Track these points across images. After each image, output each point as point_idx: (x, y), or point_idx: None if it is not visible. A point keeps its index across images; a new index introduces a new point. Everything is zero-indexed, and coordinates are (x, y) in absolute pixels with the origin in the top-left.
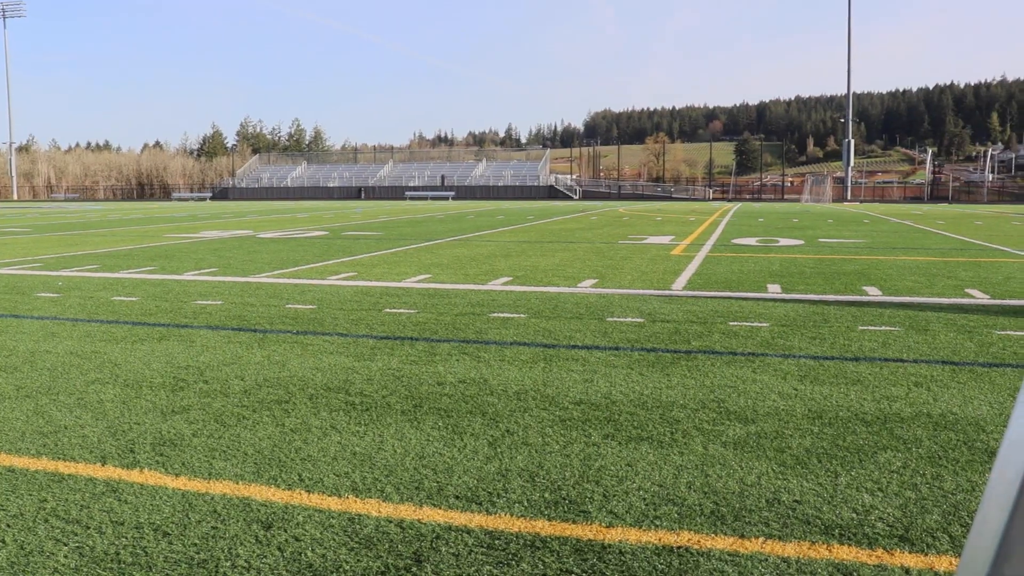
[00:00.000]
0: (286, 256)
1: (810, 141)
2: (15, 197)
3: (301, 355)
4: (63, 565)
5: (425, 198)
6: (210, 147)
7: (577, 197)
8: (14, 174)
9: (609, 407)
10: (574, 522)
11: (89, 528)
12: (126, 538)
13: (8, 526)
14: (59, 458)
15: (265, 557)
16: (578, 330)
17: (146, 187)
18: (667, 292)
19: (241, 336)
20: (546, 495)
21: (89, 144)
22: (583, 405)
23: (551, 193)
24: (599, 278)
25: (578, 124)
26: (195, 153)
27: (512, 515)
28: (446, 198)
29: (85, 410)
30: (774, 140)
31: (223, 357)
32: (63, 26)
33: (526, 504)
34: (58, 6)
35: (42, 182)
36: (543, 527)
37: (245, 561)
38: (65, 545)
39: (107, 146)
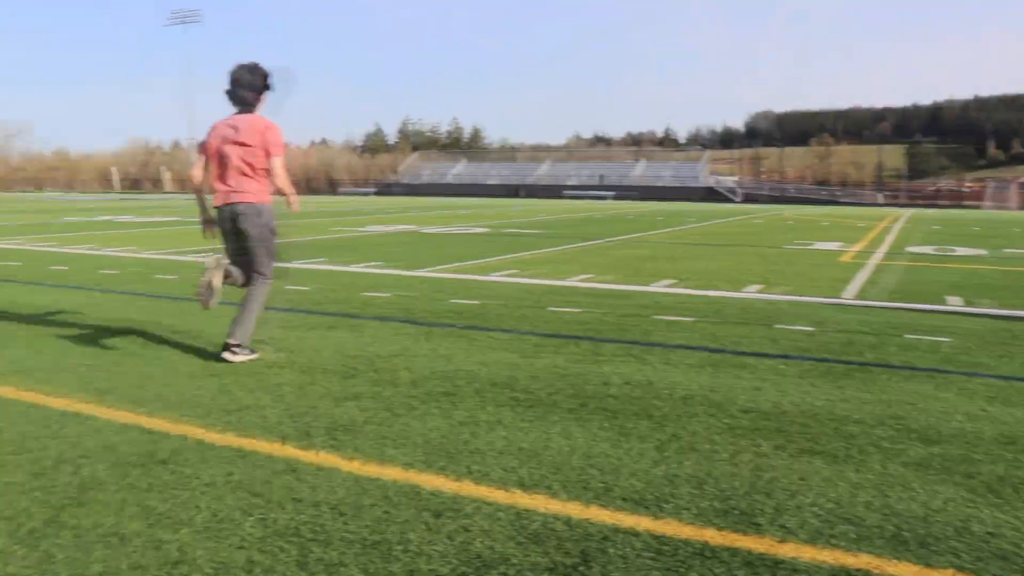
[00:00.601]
0: (449, 251)
1: (991, 143)
2: None
3: (467, 349)
4: (249, 534)
5: (583, 197)
6: (373, 144)
7: (738, 200)
8: None
9: (779, 417)
10: (745, 534)
11: (271, 502)
12: (305, 515)
13: (201, 494)
14: (243, 435)
15: (435, 544)
16: (745, 336)
17: (313, 182)
18: (837, 300)
19: (408, 328)
20: (715, 503)
21: None
22: (752, 413)
23: (711, 195)
24: (765, 283)
25: (738, 125)
26: (359, 150)
27: (680, 521)
28: (604, 198)
29: (265, 392)
30: (950, 142)
31: (391, 348)
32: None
33: (695, 511)
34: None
35: None
36: (712, 536)
37: (416, 546)
38: (250, 516)
39: None
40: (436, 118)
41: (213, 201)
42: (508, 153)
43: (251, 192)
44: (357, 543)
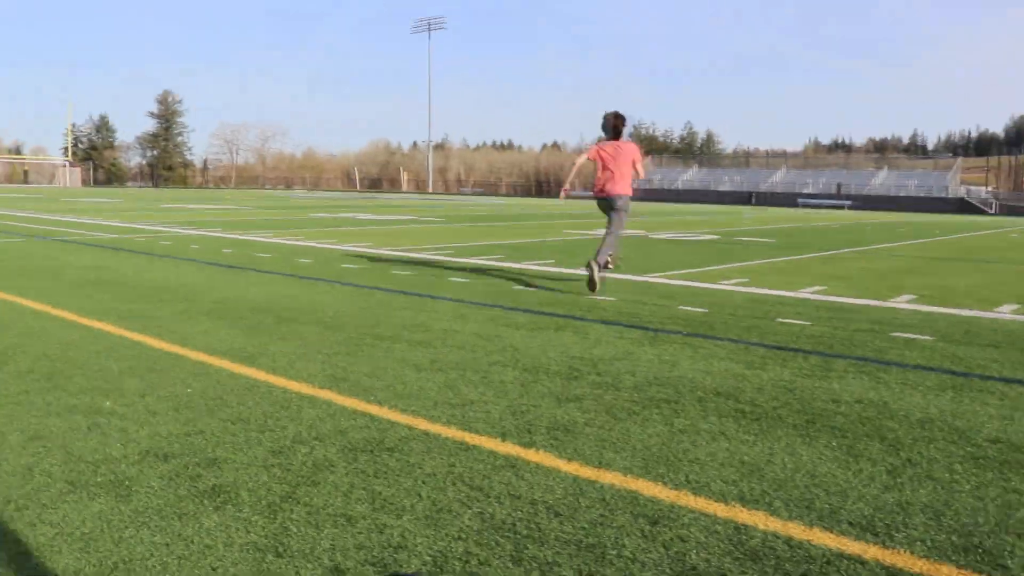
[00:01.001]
0: (677, 257)
1: None
2: (430, 189)
3: (691, 357)
4: (467, 526)
5: (819, 206)
6: None
7: (993, 211)
8: (431, 169)
9: None
10: (989, 575)
11: (490, 496)
12: (522, 511)
13: (423, 483)
14: (465, 429)
15: (650, 552)
16: (995, 359)
17: (543, 184)
18: None
19: (633, 333)
20: (953, 538)
21: (494, 143)
22: (1000, 444)
23: (962, 207)
24: (1022, 303)
25: (997, 129)
26: None
27: (913, 554)
28: (842, 207)
29: (489, 388)
30: None
31: (615, 352)
32: (477, 33)
33: (929, 544)
34: (473, 16)
35: (453, 176)
36: (950, 573)
37: (631, 552)
38: (469, 508)
39: (510, 145)
40: (670, 122)
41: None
42: (741, 159)
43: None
44: (572, 544)
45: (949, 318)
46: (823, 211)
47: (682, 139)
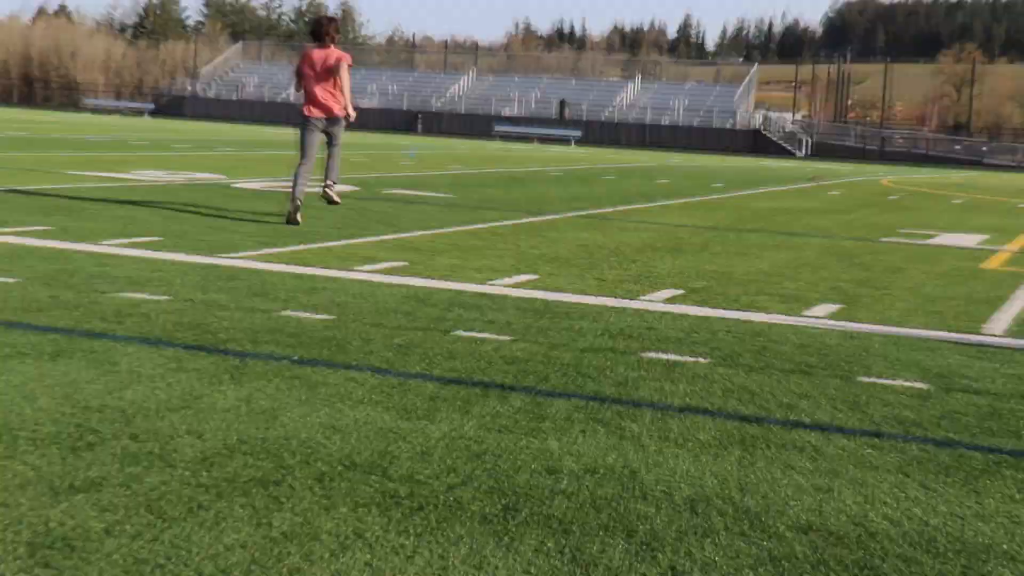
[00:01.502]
0: (282, 224)
1: None
2: None
3: (306, 402)
4: None
5: (529, 138)
6: (156, 24)
7: (802, 153)
8: None
9: (865, 543)
10: None
11: None
12: None
13: None
14: None
15: None
16: (805, 394)
17: (38, 85)
18: (976, 338)
19: (201, 360)
20: None
21: None
22: (814, 534)
23: (757, 142)
24: (845, 302)
25: (813, 23)
26: (128, 32)
27: None
28: (567, 140)
29: None
30: None
31: (168, 395)
32: None
33: None
34: None
35: None
36: None
37: None
38: None
39: None
40: None
41: None
42: (401, 55)
43: None
44: None
45: (734, 326)
46: (536, 146)
47: (300, 15)
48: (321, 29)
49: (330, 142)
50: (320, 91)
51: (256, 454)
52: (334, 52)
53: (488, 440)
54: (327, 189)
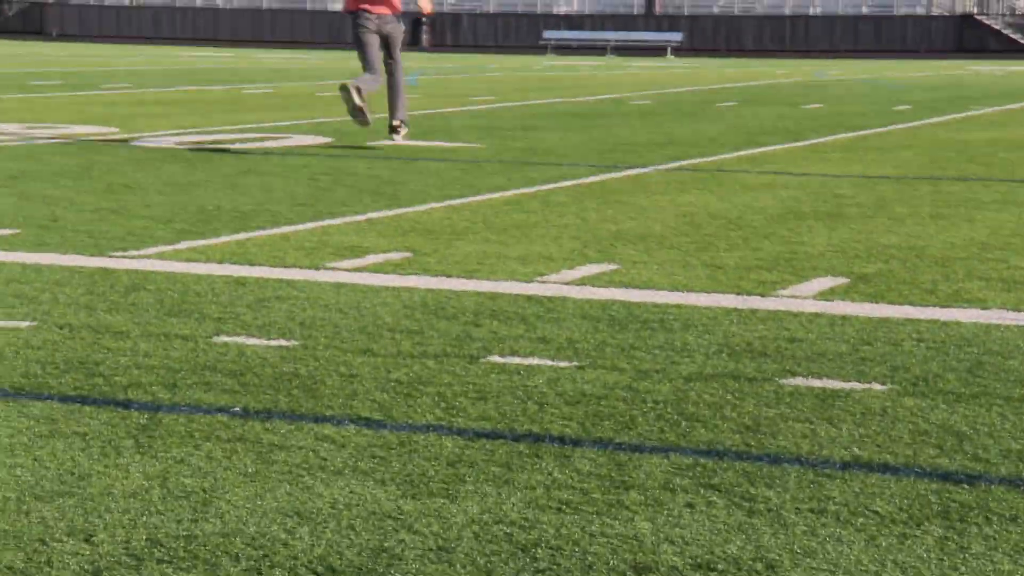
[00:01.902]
0: (221, 199)
1: None
2: None
3: (255, 477)
4: None
5: (599, 48)
6: None
7: None
8: None
9: None
10: None
11: None
12: None
13: None
14: None
15: None
16: None
17: None
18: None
19: (88, 419)
20: None
21: None
22: None
23: (966, 36)
24: None
25: None
26: None
27: None
28: (661, 49)
29: None
30: None
31: (36, 476)
32: None
33: None
34: None
35: None
36: None
37: None
38: None
39: None
40: None
41: None
42: None
43: None
44: None
45: (927, 331)
46: (609, 60)
47: None
48: None
49: (388, 54)
50: None
51: (178, 561)
52: None
53: (542, 524)
54: (394, 130)
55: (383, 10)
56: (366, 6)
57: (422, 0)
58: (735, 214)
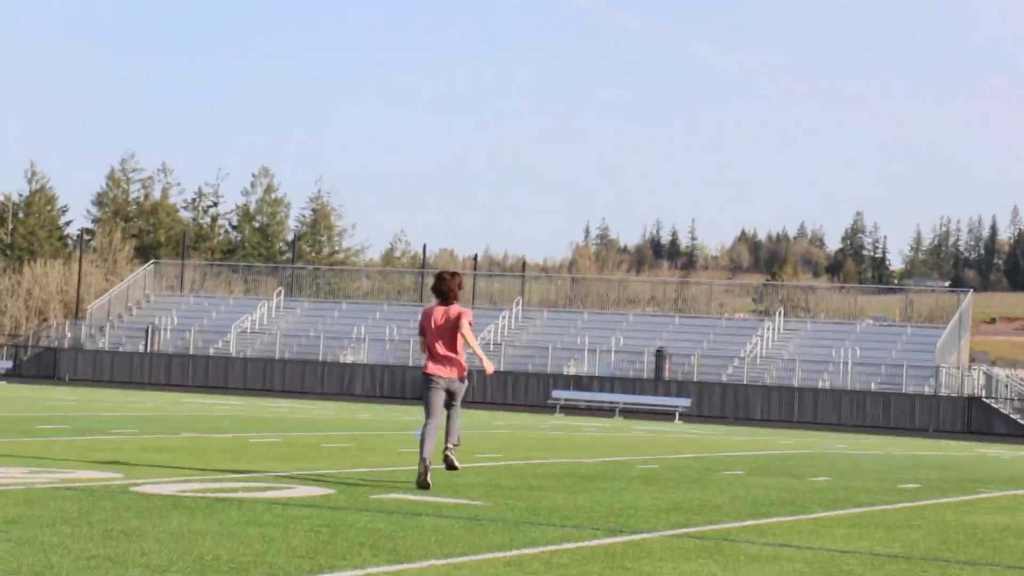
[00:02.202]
0: (220, 549)
1: None
2: None
3: None
4: None
5: (607, 410)
6: (19, 235)
7: None
8: None
9: None
10: None
11: None
12: None
13: None
14: None
15: None
16: None
17: None
18: None
19: None
20: None
21: None
22: None
23: (974, 417)
24: None
25: None
26: None
27: None
28: (669, 414)
29: None
30: None
31: None
32: None
33: None
34: None
35: None
36: None
37: None
38: None
39: None
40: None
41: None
42: (402, 279)
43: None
44: None
45: None
46: (616, 422)
47: (247, 217)
48: (445, 286)
49: (451, 401)
50: (442, 349)
51: None
52: (455, 308)
53: None
54: (448, 452)
55: (451, 373)
56: (437, 371)
57: (485, 362)
58: None
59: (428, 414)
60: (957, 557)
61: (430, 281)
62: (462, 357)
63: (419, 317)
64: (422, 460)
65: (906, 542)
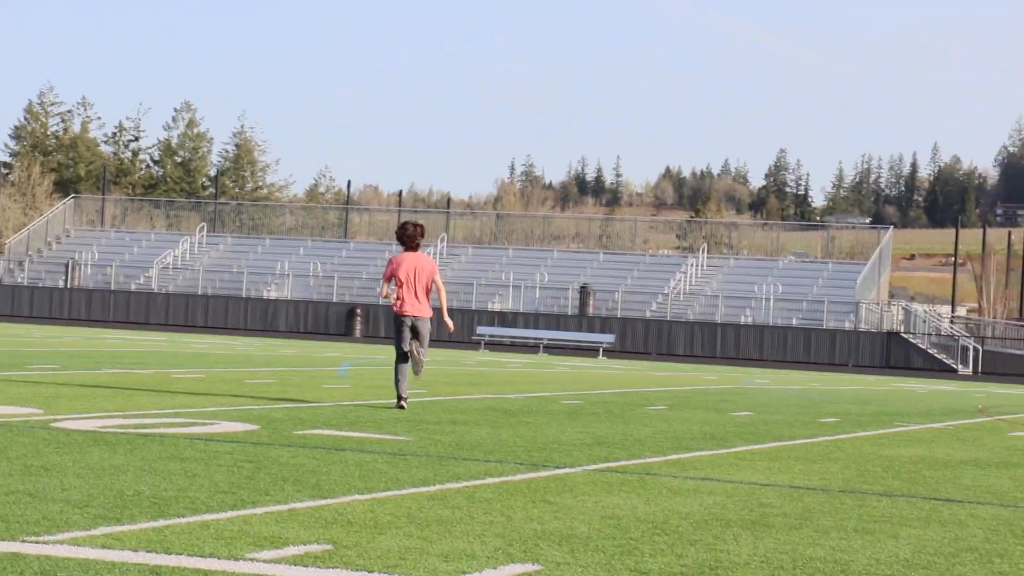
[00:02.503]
0: (141, 484)
1: None
2: None
3: None
4: None
5: (531, 346)
6: None
7: (966, 369)
8: None
9: None
10: None
11: None
12: None
13: None
14: None
15: None
16: None
17: None
18: None
19: None
20: None
21: None
22: None
23: (892, 352)
24: None
25: (982, 164)
26: None
27: None
28: (593, 350)
29: None
30: None
31: None
32: None
33: None
34: None
35: None
36: None
37: None
38: None
39: None
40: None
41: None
42: (327, 215)
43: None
44: None
45: None
46: (540, 358)
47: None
48: (409, 236)
49: (416, 335)
50: (411, 295)
51: None
52: (425, 260)
53: None
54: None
55: (421, 312)
56: (408, 311)
57: (448, 321)
58: (661, 518)
59: (399, 353)
60: (874, 489)
61: (354, 217)
62: (428, 303)
63: (388, 264)
64: (399, 396)
65: (825, 475)
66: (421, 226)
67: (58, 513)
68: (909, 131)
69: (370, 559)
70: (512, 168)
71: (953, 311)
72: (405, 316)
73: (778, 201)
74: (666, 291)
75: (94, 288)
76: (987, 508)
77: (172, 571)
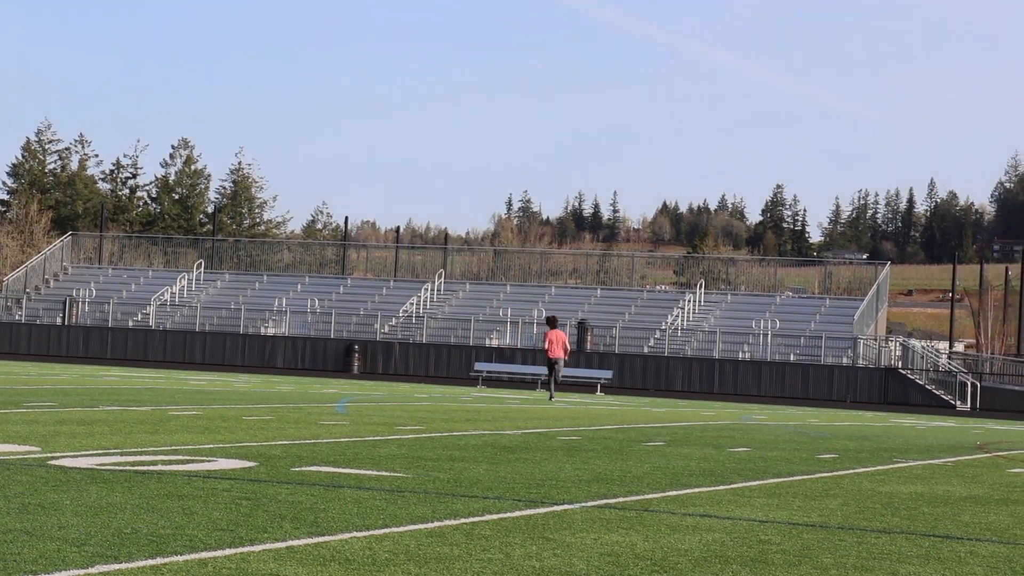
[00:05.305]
0: (139, 522)
1: None
2: None
3: None
4: None
5: (528, 382)
6: None
7: (964, 406)
8: None
9: None
10: None
11: None
12: None
13: None
14: None
15: None
16: None
17: None
18: None
19: None
20: None
21: None
22: None
23: (890, 388)
24: None
25: (979, 199)
26: None
27: None
28: (591, 385)
29: None
30: None
31: None
32: None
33: None
34: None
35: None
36: None
37: None
38: None
39: None
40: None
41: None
42: (324, 251)
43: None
44: None
45: None
46: (538, 394)
47: (166, 188)
48: (556, 323)
49: (554, 369)
50: (556, 347)
51: None
52: (560, 334)
53: None
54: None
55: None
56: (555, 354)
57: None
58: (660, 555)
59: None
60: (873, 526)
61: (352, 253)
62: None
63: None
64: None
65: (824, 511)
66: (555, 319)
67: (56, 552)
68: (906, 166)
69: None
70: (509, 204)
71: (951, 347)
72: (553, 358)
73: (775, 236)
74: (664, 327)
75: (91, 325)
76: (987, 545)
77: None
